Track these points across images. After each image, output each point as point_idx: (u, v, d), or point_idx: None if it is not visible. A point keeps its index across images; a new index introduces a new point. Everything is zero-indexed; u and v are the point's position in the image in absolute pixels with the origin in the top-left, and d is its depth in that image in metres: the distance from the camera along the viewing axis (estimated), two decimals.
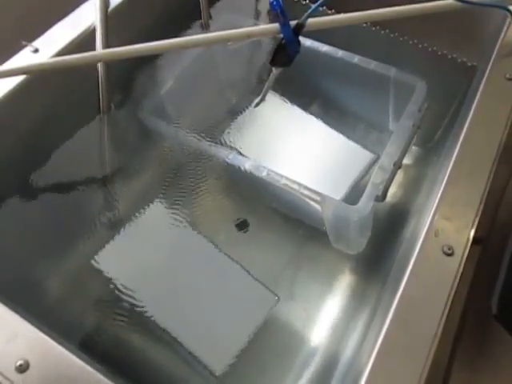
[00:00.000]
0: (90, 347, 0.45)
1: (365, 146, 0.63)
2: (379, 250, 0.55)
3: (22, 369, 0.31)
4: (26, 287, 0.47)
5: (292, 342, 0.52)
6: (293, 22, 0.44)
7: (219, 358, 0.49)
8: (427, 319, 0.34)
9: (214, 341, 0.50)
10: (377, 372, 0.32)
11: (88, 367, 0.32)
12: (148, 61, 0.59)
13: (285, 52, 0.46)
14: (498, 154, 0.43)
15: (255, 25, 0.53)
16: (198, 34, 0.64)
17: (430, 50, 0.60)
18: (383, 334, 0.33)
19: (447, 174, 0.42)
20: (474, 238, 0.38)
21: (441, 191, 0.40)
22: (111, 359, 0.45)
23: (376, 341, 0.33)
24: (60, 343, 0.33)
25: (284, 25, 0.43)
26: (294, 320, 0.53)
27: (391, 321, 0.34)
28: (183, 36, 0.65)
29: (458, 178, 0.42)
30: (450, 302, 0.35)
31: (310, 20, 0.45)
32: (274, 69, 0.50)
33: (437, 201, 0.40)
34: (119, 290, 0.50)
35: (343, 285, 0.56)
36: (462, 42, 0.60)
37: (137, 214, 0.55)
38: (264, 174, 0.53)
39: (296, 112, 0.65)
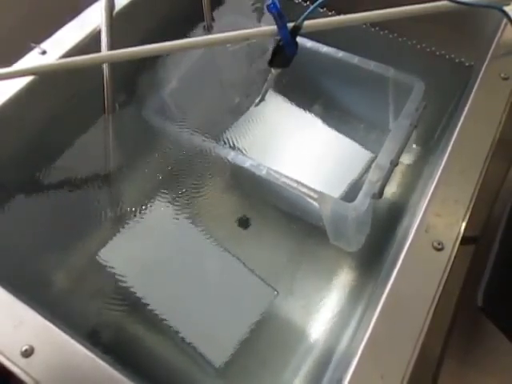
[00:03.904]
0: (92, 338, 0.47)
1: (364, 146, 0.64)
2: (378, 247, 0.56)
3: (27, 354, 0.33)
4: (33, 280, 0.49)
5: (291, 336, 0.53)
6: (290, 24, 0.46)
7: (219, 350, 0.50)
8: (415, 313, 0.35)
9: (214, 333, 0.51)
10: (363, 364, 0.33)
11: (91, 354, 0.34)
12: (152, 62, 0.60)
13: (283, 53, 0.47)
14: (490, 152, 0.44)
15: (255, 27, 0.54)
16: (200, 36, 0.67)
17: (428, 50, 0.61)
18: (371, 328, 0.34)
19: (439, 172, 0.43)
20: (467, 237, 0.39)
21: (432, 188, 0.41)
22: (113, 350, 0.46)
23: (364, 334, 0.34)
24: (64, 331, 0.35)
25: (281, 27, 0.45)
26: (293, 315, 0.54)
27: (379, 314, 0.35)
28: (186, 38, 0.67)
29: (450, 176, 0.42)
30: (438, 296, 0.36)
31: (307, 22, 0.46)
32: (272, 69, 0.52)
33: (428, 197, 0.41)
34: (122, 284, 0.52)
35: (341, 281, 0.57)
36: (459, 42, 0.60)
37: (140, 211, 0.57)
38: (264, 172, 0.54)
39: (296, 112, 0.66)
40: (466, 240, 0.39)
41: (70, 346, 0.34)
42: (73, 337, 0.34)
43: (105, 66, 0.50)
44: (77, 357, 0.33)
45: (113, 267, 0.53)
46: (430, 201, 0.41)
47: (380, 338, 0.34)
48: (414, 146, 0.66)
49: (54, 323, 0.35)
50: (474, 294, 0.42)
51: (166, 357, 0.50)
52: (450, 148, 0.45)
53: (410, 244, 0.38)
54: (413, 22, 0.57)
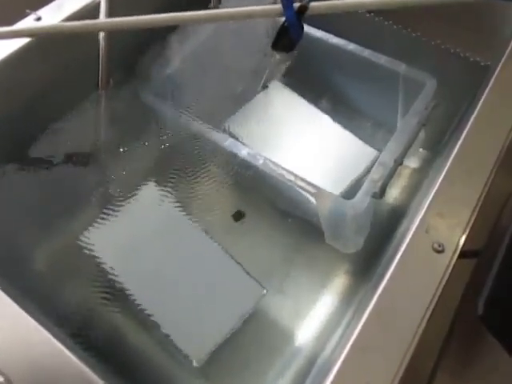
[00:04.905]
0: (65, 323, 0.44)
1: (371, 144, 0.62)
2: (377, 250, 0.53)
3: None
4: (8, 257, 0.46)
5: (277, 336, 0.50)
6: (296, 5, 0.43)
7: (199, 347, 0.47)
8: (408, 319, 0.32)
9: (195, 329, 0.49)
10: (346, 371, 0.30)
11: (43, 329, 0.31)
12: (154, 40, 0.58)
13: (287, 36, 0.44)
14: (500, 154, 0.41)
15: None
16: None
17: (442, 47, 0.58)
18: (357, 333, 0.31)
19: (445, 171, 0.40)
20: (469, 250, 0.36)
21: (436, 187, 0.38)
22: (87, 337, 0.44)
23: (349, 339, 0.31)
24: (28, 311, 0.33)
25: (287, 6, 0.42)
26: (282, 315, 0.52)
27: (368, 319, 0.32)
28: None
29: (456, 176, 0.40)
30: (435, 302, 0.33)
31: (314, 4, 0.43)
32: (277, 55, 0.49)
33: (431, 196, 0.38)
34: (103, 269, 0.49)
35: (335, 283, 0.54)
36: (475, 40, 0.57)
37: (129, 194, 0.54)
38: (260, 162, 0.51)
39: (302, 104, 0.64)
40: (467, 254, 0.36)
41: (24, 320, 0.31)
42: (36, 317, 0.32)
43: (101, 38, 0.48)
44: (30, 332, 0.30)
45: (94, 251, 0.51)
46: (432, 200, 0.38)
47: (366, 345, 0.31)
48: (422, 149, 0.63)
49: (18, 302, 0.33)
50: (474, 303, 0.39)
51: (144, 349, 0.48)
52: (457, 147, 0.42)
53: (408, 244, 0.35)
54: (427, 18, 0.54)
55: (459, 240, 0.35)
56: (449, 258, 0.34)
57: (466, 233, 0.36)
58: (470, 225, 0.37)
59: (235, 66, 0.62)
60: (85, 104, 0.52)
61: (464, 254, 0.36)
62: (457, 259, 0.35)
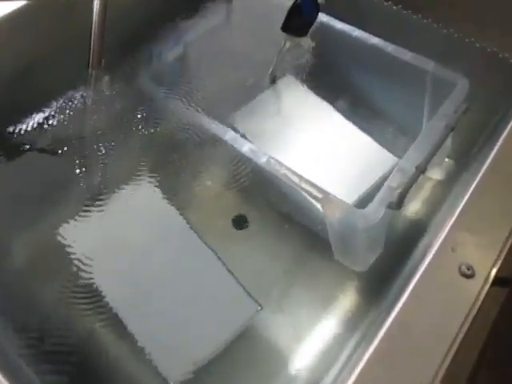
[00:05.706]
0: (28, 327, 0.39)
1: (392, 151, 0.56)
2: (391, 271, 0.47)
3: None
4: None
5: (272, 360, 0.45)
6: None
7: (178, 365, 0.42)
8: (425, 355, 0.26)
9: (177, 345, 0.44)
10: None
11: None
12: (159, 24, 0.54)
13: (300, 16, 0.39)
14: None
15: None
16: (221, 6, 0.60)
17: (477, 45, 0.52)
18: (361, 367, 0.25)
19: (475, 183, 0.33)
20: (502, 278, 0.30)
21: (465, 200, 0.32)
22: (49, 343, 0.39)
23: (351, 374, 0.25)
24: None
25: None
26: (278, 336, 0.46)
27: (376, 350, 0.26)
28: (205, 7, 0.60)
29: (489, 189, 0.34)
30: (460, 337, 0.26)
31: None
32: (287, 42, 0.44)
33: (459, 210, 0.31)
34: (80, 269, 0.45)
35: (341, 305, 0.48)
36: None
37: (117, 190, 0.49)
38: (264, 160, 0.46)
39: (316, 102, 0.59)
40: (498, 281, 0.30)
41: None
42: None
43: (95, 12, 0.43)
44: None
45: (73, 248, 0.46)
46: (460, 214, 0.31)
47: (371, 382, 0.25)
48: (448, 159, 0.57)
49: None
50: (506, 342, 0.32)
51: (116, 362, 0.43)
52: (491, 157, 0.36)
53: (430, 265, 0.29)
54: (461, 13, 0.48)
55: (493, 264, 0.29)
56: (480, 285, 0.28)
57: (503, 256, 0.29)
58: (508, 246, 0.30)
59: (245, 56, 0.57)
60: (72, 84, 0.47)
61: (494, 281, 0.29)
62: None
